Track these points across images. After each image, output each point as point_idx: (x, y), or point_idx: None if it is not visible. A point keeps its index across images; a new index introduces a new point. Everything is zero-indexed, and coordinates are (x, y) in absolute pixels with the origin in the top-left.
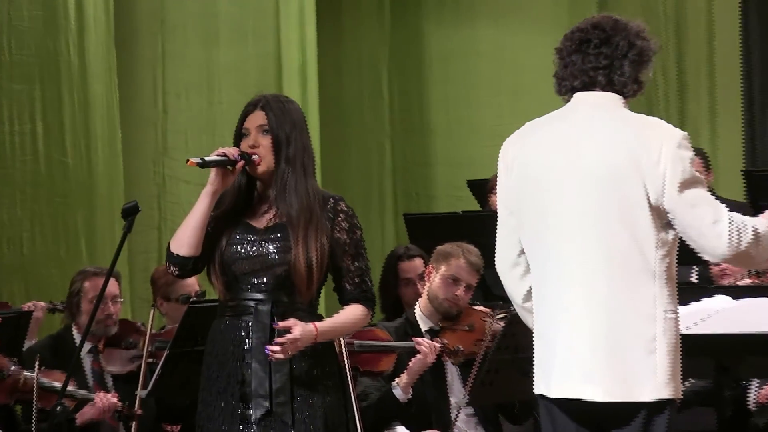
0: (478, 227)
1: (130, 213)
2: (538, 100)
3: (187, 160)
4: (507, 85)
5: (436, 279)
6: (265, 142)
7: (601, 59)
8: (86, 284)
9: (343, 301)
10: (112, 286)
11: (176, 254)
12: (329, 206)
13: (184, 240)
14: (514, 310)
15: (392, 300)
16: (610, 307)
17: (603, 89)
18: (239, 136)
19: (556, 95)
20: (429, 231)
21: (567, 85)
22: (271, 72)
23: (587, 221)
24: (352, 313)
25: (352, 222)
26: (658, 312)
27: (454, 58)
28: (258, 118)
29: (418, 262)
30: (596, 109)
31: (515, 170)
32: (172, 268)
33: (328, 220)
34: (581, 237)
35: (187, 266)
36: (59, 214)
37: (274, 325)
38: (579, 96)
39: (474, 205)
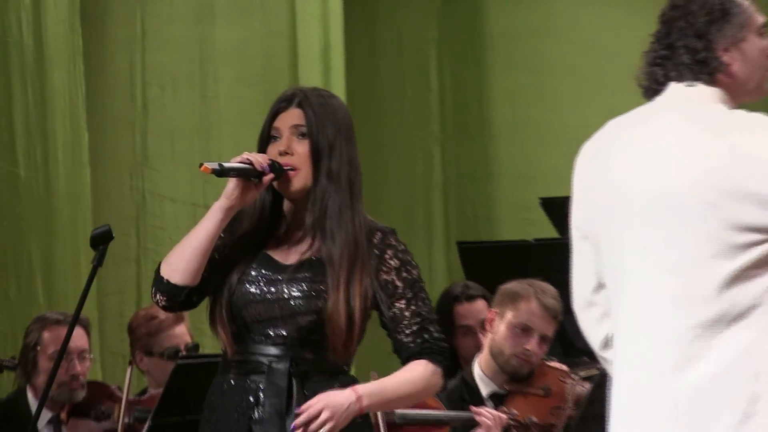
0: (556, 260)
1: (100, 241)
2: (634, 92)
3: (201, 165)
4: (592, 74)
5: (500, 328)
6: (301, 148)
7: (660, 47)
8: (45, 335)
9: (403, 360)
10: (79, 338)
11: (166, 280)
12: (376, 240)
13: (180, 264)
14: (603, 368)
15: None
16: (691, 360)
17: (662, 83)
18: (266, 139)
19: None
20: (490, 264)
21: (646, 93)
22: (283, 57)
23: (663, 252)
24: (411, 374)
25: (404, 258)
26: (761, 366)
27: (523, 39)
28: (293, 116)
29: (480, 304)
30: (684, 106)
31: (587, 183)
32: (158, 296)
33: (373, 257)
34: (656, 270)
35: (178, 297)
36: (7, 243)
37: (291, 428)
38: (669, 88)
39: (550, 231)
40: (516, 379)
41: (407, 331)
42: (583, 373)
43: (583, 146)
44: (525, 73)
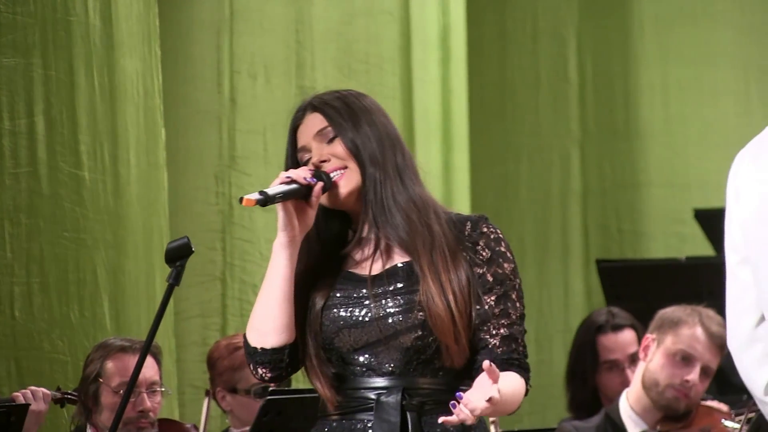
0: (711, 281)
1: (177, 256)
2: None
3: (241, 200)
4: (758, 65)
5: (656, 356)
6: (337, 149)
7: None
8: (109, 365)
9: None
10: (148, 368)
11: (261, 349)
12: (466, 231)
13: (268, 323)
14: (761, 411)
15: (587, 393)
16: None
17: None
18: (294, 166)
19: None
20: (635, 286)
21: None
22: (393, 42)
23: None
24: (517, 386)
25: (495, 249)
26: None
27: (677, 24)
28: (313, 123)
29: (628, 335)
30: None
31: (747, 196)
32: (260, 370)
33: (468, 250)
34: None
35: (281, 362)
36: (69, 258)
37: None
38: None
39: (705, 247)
40: (671, 417)
41: (494, 332)
42: (747, 414)
43: (738, 157)
44: (679, 64)
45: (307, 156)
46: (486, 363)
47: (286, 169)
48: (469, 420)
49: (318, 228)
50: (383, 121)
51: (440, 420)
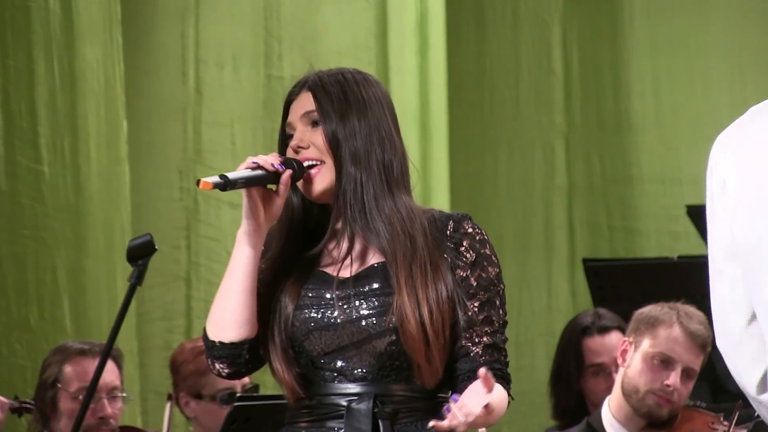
0: (707, 282)
1: (139, 254)
2: None
3: (198, 182)
4: (753, 53)
5: (635, 360)
6: (317, 138)
7: None
8: (67, 369)
9: (465, 369)
10: (110, 373)
11: (219, 342)
12: (449, 231)
13: (227, 317)
14: (759, 416)
15: (571, 399)
16: None
17: None
18: (284, 138)
19: None
20: (624, 287)
21: None
22: (368, 29)
23: None
24: (501, 398)
25: (481, 252)
26: None
27: (667, 12)
28: (303, 103)
29: (614, 337)
30: None
31: (734, 186)
32: (217, 365)
33: (449, 252)
34: None
35: (240, 358)
36: (28, 257)
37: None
38: None
39: (699, 246)
40: (654, 424)
41: (476, 339)
42: (738, 423)
43: (719, 142)
44: (670, 53)
45: (291, 133)
46: (482, 371)
47: (280, 146)
48: (462, 427)
49: (305, 216)
50: (380, 115)
51: (430, 425)
